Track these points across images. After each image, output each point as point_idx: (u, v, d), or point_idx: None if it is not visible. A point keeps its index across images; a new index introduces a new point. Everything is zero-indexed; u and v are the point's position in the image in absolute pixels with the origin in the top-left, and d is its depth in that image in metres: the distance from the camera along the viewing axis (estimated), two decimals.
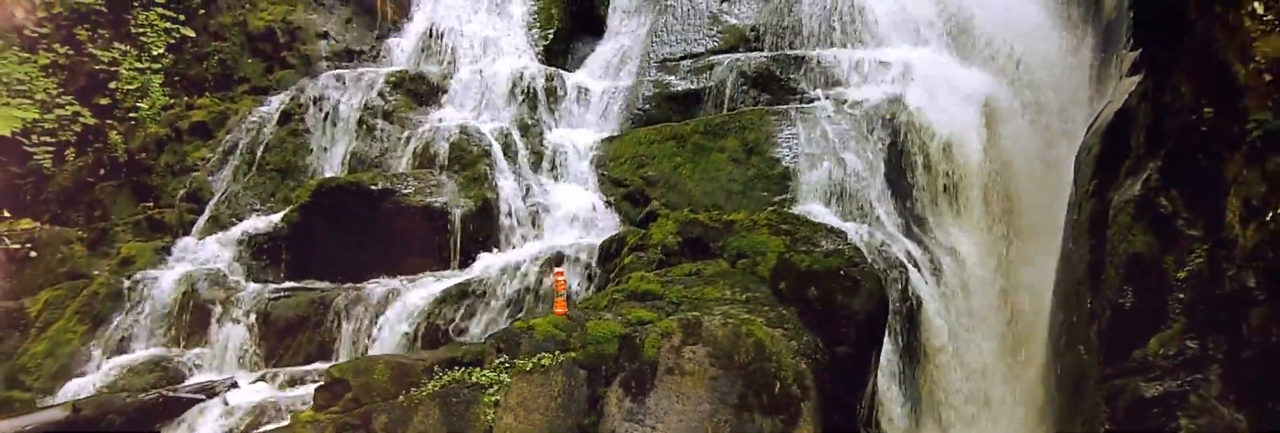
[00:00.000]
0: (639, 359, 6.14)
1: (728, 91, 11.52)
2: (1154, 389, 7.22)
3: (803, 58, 11.89)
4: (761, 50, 12.30)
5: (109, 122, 11.64)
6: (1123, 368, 7.77)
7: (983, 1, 12.93)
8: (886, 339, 9.11)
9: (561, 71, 11.70)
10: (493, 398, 5.80)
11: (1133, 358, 7.75)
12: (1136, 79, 9.37)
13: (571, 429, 5.93)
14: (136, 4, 12.35)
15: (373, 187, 9.13)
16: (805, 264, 7.49)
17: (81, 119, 11.55)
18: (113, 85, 11.80)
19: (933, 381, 9.38)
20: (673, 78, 11.77)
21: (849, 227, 9.70)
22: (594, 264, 8.58)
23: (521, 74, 11.04)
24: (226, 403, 7.49)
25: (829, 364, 6.90)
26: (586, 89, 11.57)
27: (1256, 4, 6.89)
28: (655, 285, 7.04)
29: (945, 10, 12.79)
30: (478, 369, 6.02)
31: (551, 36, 12.25)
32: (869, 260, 8.56)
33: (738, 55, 12.03)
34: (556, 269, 7.02)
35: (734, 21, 12.53)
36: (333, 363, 7.65)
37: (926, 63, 12.08)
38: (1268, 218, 6.78)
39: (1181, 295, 7.65)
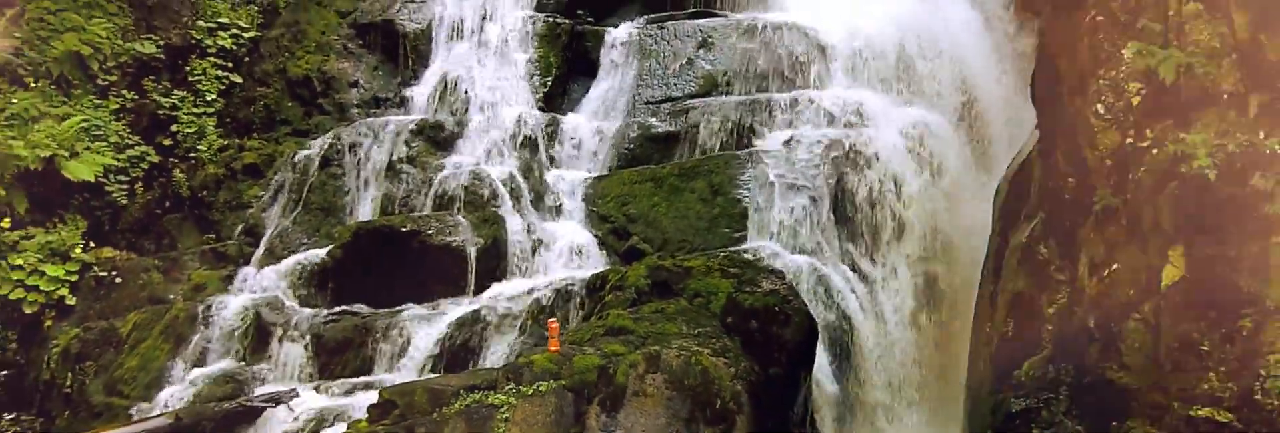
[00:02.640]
0: (612, 384, 8.17)
1: (701, 134, 13.36)
2: (1019, 404, 9.22)
3: (766, 102, 13.65)
4: (732, 94, 14.08)
5: (172, 160, 13.59)
6: (1004, 385, 9.77)
7: (937, 43, 14.58)
8: (825, 355, 11.10)
9: (559, 116, 13.57)
10: (504, 415, 7.81)
11: (1012, 377, 9.75)
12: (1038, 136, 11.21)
13: None
14: (192, 54, 14.23)
15: (402, 228, 11.12)
16: (748, 302, 9.47)
17: (148, 158, 13.50)
18: (174, 128, 13.73)
19: (864, 390, 11.36)
20: (654, 120, 13.59)
21: (796, 259, 11.62)
22: (583, 295, 10.57)
23: (524, 122, 12.94)
24: (292, 410, 9.51)
25: (763, 383, 8.92)
26: (580, 132, 13.43)
27: (1099, 106, 8.80)
28: (628, 322, 9.03)
29: (900, 53, 14.47)
30: (492, 392, 8.03)
31: (550, 83, 14.11)
32: (804, 296, 10.52)
33: (711, 99, 13.82)
34: (551, 319, 9.01)
35: (709, 67, 14.29)
36: (379, 379, 9.70)
37: (876, 104, 13.82)
38: (1104, 274, 8.74)
39: (1050, 328, 9.63)
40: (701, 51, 14.55)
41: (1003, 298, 10.35)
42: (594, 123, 13.75)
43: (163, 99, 13.89)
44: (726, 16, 15.46)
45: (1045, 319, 9.70)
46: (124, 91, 13.93)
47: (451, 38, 14.48)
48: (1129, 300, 8.33)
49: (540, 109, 13.74)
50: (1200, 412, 7.81)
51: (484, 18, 14.74)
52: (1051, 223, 10.03)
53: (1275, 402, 7.46)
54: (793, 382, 9.50)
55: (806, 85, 14.20)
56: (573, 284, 10.64)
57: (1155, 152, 8.27)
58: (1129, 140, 8.59)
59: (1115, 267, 8.59)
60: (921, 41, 14.70)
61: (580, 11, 15.63)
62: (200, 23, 14.52)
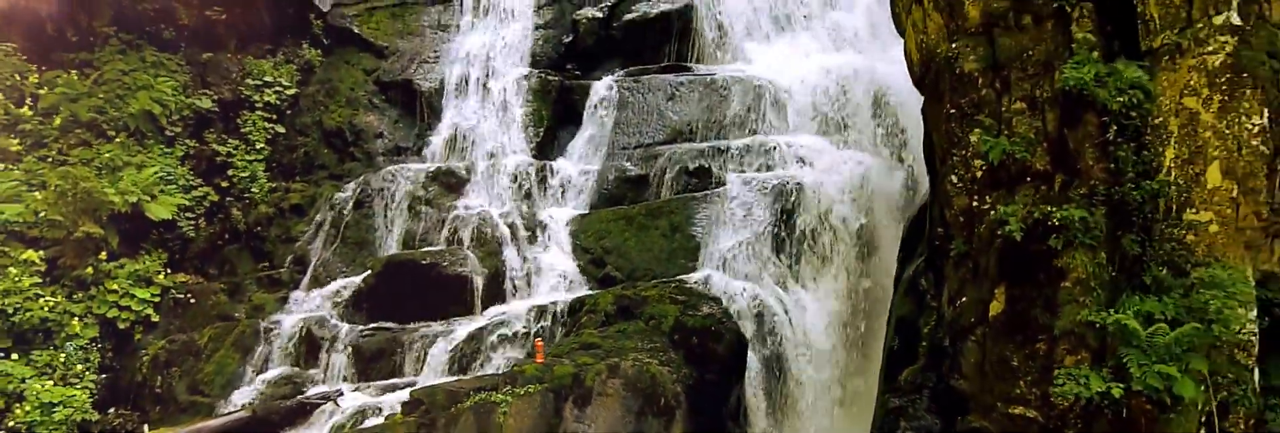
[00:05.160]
0: (583, 387, 11.04)
1: (666, 177, 16.08)
2: (895, 403, 12.03)
3: (723, 148, 16.34)
4: (694, 141, 16.78)
5: (229, 199, 16.41)
6: (888, 388, 12.57)
7: (880, 92, 17.07)
8: (759, 363, 13.87)
9: (550, 163, 16.34)
10: (503, 410, 10.68)
11: (896, 382, 12.53)
12: None
13: (547, 428, 10.82)
14: (242, 108, 17.04)
15: (423, 261, 14.00)
16: (690, 323, 12.31)
17: (209, 198, 16.33)
18: (230, 172, 16.55)
19: (792, 391, 14.09)
20: (628, 164, 16.33)
21: (738, 285, 14.34)
22: (565, 315, 13.41)
23: (520, 169, 15.76)
24: (340, 406, 12.36)
25: (699, 386, 11.78)
26: (568, 175, 16.21)
27: (954, 176, 11.54)
28: (597, 339, 11.90)
29: (844, 101, 17.05)
30: (495, 393, 10.89)
31: (542, 133, 16.90)
32: (745, 316, 13.33)
33: (676, 146, 16.53)
34: (537, 338, 11.87)
35: (675, 117, 17.00)
36: (407, 382, 12.54)
37: (819, 148, 16.46)
38: (956, 305, 11.52)
39: (924, 344, 12.41)
40: (670, 103, 17.24)
41: (891, 320, 13.21)
42: (578, 167, 16.52)
43: (220, 147, 16.72)
44: (694, 70, 18.10)
45: (922, 337, 12.51)
46: (187, 141, 16.75)
47: (460, 94, 17.28)
48: (969, 325, 11.11)
49: (534, 156, 16.52)
50: (1015, 410, 10.55)
51: (488, 75, 17.55)
52: (930, 261, 12.82)
53: (1064, 403, 10.18)
54: (725, 385, 12.37)
55: (759, 132, 16.83)
56: (558, 307, 13.49)
57: (990, 214, 11.02)
58: (974, 203, 11.31)
59: (963, 299, 11.35)
60: (865, 91, 17.15)
61: (569, 66, 18.36)
62: (248, 80, 17.30)
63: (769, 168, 16.16)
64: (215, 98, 17.10)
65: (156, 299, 14.94)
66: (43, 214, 14.29)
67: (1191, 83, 10.19)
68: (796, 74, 17.69)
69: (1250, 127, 10.07)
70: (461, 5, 18.62)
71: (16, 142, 15.41)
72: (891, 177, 16.37)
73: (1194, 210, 10.18)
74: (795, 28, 19.44)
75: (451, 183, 15.69)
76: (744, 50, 18.83)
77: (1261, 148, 10.03)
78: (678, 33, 18.51)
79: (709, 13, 18.48)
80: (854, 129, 17.04)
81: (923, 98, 12.69)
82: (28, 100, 15.98)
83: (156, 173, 15.33)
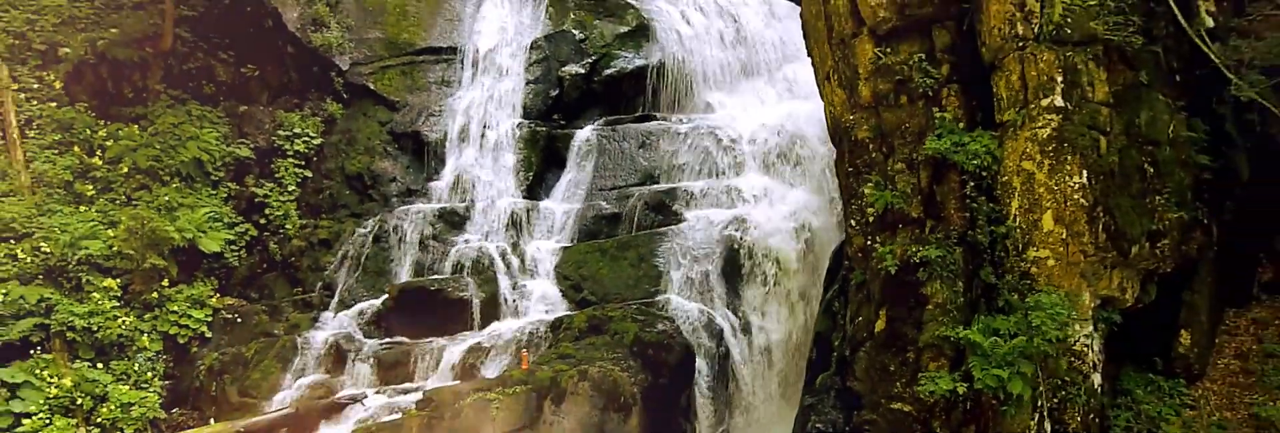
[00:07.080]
0: (558, 388, 14.04)
1: (635, 215, 18.96)
2: (808, 401, 14.98)
3: (685, 189, 19.23)
4: (660, 182, 19.67)
5: (266, 234, 19.40)
6: (807, 391, 15.48)
7: (824, 135, 19.83)
8: (708, 371, 16.78)
9: (537, 203, 19.27)
10: (496, 406, 13.66)
11: (812, 386, 15.46)
12: None
13: (530, 420, 13.81)
14: (275, 155, 20.06)
15: (431, 288, 17.00)
16: (648, 337, 15.31)
17: (249, 233, 19.32)
18: (266, 211, 19.53)
19: (735, 394, 16.99)
20: (604, 203, 19.23)
21: (692, 306, 17.29)
22: (547, 331, 16.38)
23: (512, 209, 18.76)
24: (365, 405, 15.33)
25: (653, 388, 14.77)
26: (553, 214, 19.17)
27: (853, 220, 14.52)
28: (572, 350, 14.90)
29: (794, 146, 19.79)
30: (489, 393, 13.87)
31: (531, 177, 19.84)
32: (698, 331, 16.28)
33: (645, 187, 19.41)
34: (523, 350, 14.87)
35: (645, 163, 19.88)
36: (420, 385, 15.50)
37: (768, 189, 19.31)
38: (855, 322, 14.50)
39: (835, 354, 15.36)
40: (641, 150, 20.10)
41: (814, 334, 16.20)
42: (562, 206, 19.43)
43: (257, 190, 19.72)
44: (664, 119, 20.91)
45: (833, 349, 15.47)
46: (229, 184, 19.75)
47: (461, 142, 20.25)
48: (862, 339, 14.07)
49: (524, 196, 19.49)
50: (895, 406, 13.39)
51: (485, 126, 20.49)
52: (841, 287, 15.80)
53: (930, 399, 12.99)
54: (676, 388, 15.36)
55: (717, 175, 19.65)
56: (541, 325, 16.49)
57: (877, 251, 14.00)
58: (867, 242, 14.27)
59: (859, 318, 14.32)
60: (815, 136, 19.68)
61: (555, 116, 21.20)
62: (279, 131, 20.30)
63: (723, 206, 18.96)
64: (252, 146, 20.06)
65: (209, 319, 17.89)
66: (116, 248, 17.24)
67: (1028, 150, 12.74)
68: (753, 121, 20.32)
69: (1073, 184, 12.69)
70: (462, 63, 21.54)
71: (90, 187, 18.43)
72: (830, 214, 19.04)
73: (1035, 249, 12.76)
74: (755, 79, 22.16)
75: (454, 220, 18.70)
76: (709, 100, 21.54)
77: (1082, 201, 12.69)
78: (651, 85, 21.13)
79: (678, 67, 21.13)
80: (801, 171, 19.71)
81: (834, 153, 15.66)
82: (97, 150, 18.97)
83: (207, 212, 18.34)
